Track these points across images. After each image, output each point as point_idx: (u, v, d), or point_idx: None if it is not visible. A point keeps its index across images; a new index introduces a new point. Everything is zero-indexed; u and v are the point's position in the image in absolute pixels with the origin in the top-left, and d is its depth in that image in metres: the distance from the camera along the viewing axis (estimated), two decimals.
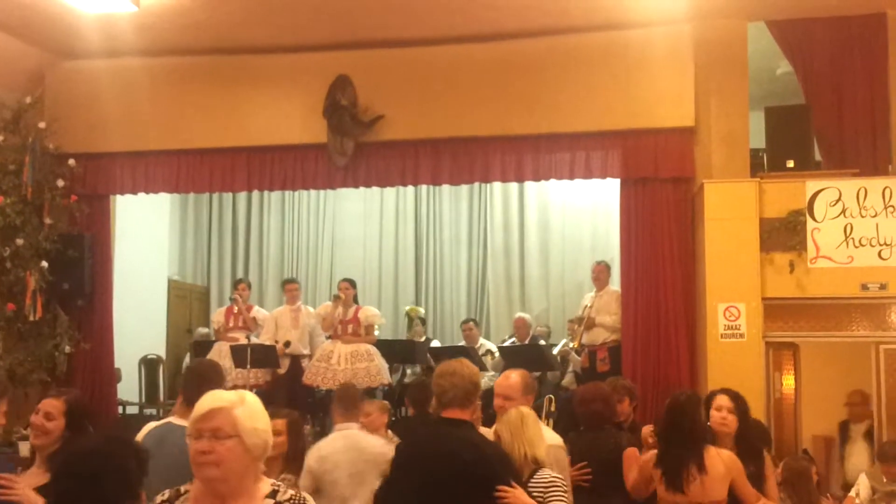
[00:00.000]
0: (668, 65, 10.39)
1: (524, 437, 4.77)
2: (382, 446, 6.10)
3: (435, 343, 12.81)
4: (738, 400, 5.91)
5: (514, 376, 5.44)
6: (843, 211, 9.34)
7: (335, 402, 6.62)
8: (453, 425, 4.20)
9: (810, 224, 9.37)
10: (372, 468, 5.72)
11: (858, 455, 9.33)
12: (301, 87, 11.26)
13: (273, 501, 3.08)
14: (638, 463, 5.95)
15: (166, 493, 3.17)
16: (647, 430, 6.61)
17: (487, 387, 7.86)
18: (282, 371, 11.57)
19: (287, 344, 11.48)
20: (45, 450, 4.57)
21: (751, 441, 5.87)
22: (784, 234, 9.41)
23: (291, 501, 3.11)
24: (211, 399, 3.10)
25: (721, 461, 5.33)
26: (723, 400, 5.90)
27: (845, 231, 9.32)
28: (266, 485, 3.12)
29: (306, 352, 11.83)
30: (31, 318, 11.05)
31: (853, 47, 10.36)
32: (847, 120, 10.30)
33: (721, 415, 5.84)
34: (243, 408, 3.07)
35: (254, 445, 3.05)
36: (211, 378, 4.79)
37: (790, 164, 9.83)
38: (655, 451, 5.61)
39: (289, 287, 12.31)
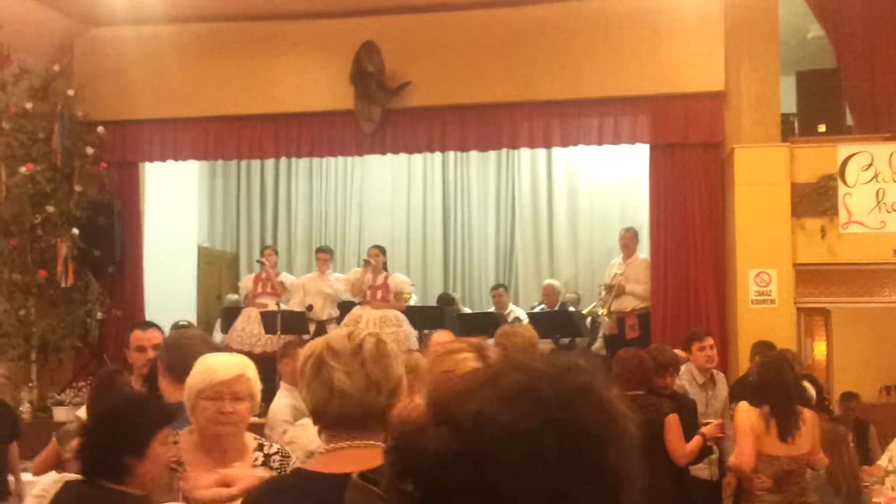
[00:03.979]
0: (698, 28, 10.29)
1: None
2: None
3: (465, 310, 12.82)
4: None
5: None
6: (875, 175, 9.25)
7: None
8: None
9: (842, 189, 9.29)
10: None
11: None
12: (328, 53, 11.23)
13: (261, 454, 3.45)
14: (678, 429, 6.02)
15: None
16: None
17: None
18: (307, 337, 11.62)
19: (309, 308, 11.51)
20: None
21: None
22: (815, 199, 9.33)
23: (279, 454, 3.50)
24: (233, 365, 3.42)
25: (808, 415, 5.90)
26: None
27: (877, 196, 9.23)
28: (250, 438, 3.51)
29: (335, 314, 11.91)
30: (63, 285, 11.14)
31: (885, 9, 10.20)
32: (879, 83, 10.17)
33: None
34: (253, 372, 3.45)
35: (255, 406, 3.49)
36: (198, 350, 4.71)
37: (821, 128, 9.75)
38: (750, 408, 5.90)
39: (320, 256, 12.34)
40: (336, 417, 2.51)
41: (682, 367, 7.85)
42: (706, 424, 6.61)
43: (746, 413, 5.93)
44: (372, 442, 2.48)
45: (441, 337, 5.41)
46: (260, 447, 3.49)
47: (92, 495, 3.26)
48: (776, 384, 5.95)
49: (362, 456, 2.37)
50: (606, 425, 1.30)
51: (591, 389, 1.32)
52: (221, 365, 3.43)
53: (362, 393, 2.49)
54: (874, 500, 6.54)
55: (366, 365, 2.52)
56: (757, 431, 5.84)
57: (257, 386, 3.46)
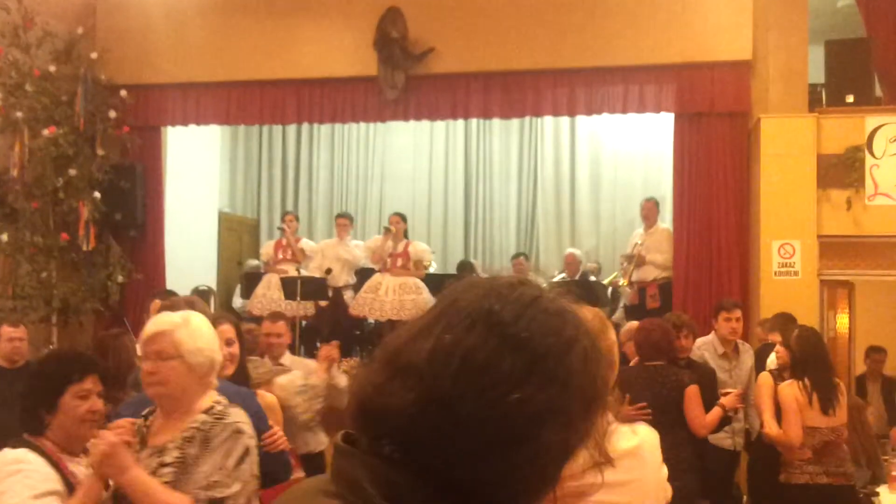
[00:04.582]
0: None
1: None
2: None
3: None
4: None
5: None
6: None
7: None
8: None
9: (869, 160, 9.17)
10: None
11: None
12: (352, 18, 11.16)
13: (205, 416, 3.28)
14: (698, 400, 6.04)
15: (148, 409, 3.45)
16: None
17: None
18: (325, 303, 11.63)
19: (328, 271, 11.51)
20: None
21: None
22: (842, 170, 9.22)
23: (220, 415, 3.30)
24: (154, 323, 3.36)
25: (842, 387, 6.22)
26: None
27: None
28: (208, 400, 3.34)
29: (351, 281, 11.91)
30: (85, 248, 11.19)
31: None
32: None
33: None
34: (186, 329, 3.30)
35: (198, 364, 3.29)
36: None
37: (850, 98, 9.60)
38: (793, 382, 6.09)
39: (340, 221, 12.35)
40: None
41: (703, 339, 7.83)
42: (726, 395, 6.59)
43: (790, 387, 6.04)
44: None
45: None
46: (210, 409, 3.31)
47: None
48: (815, 357, 6.10)
49: None
50: (562, 332, 1.27)
51: (540, 300, 1.29)
52: (148, 323, 3.41)
53: None
54: (893, 472, 6.50)
55: None
56: (801, 404, 5.96)
57: (195, 343, 3.29)
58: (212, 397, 3.36)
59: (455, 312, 1.27)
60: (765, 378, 6.58)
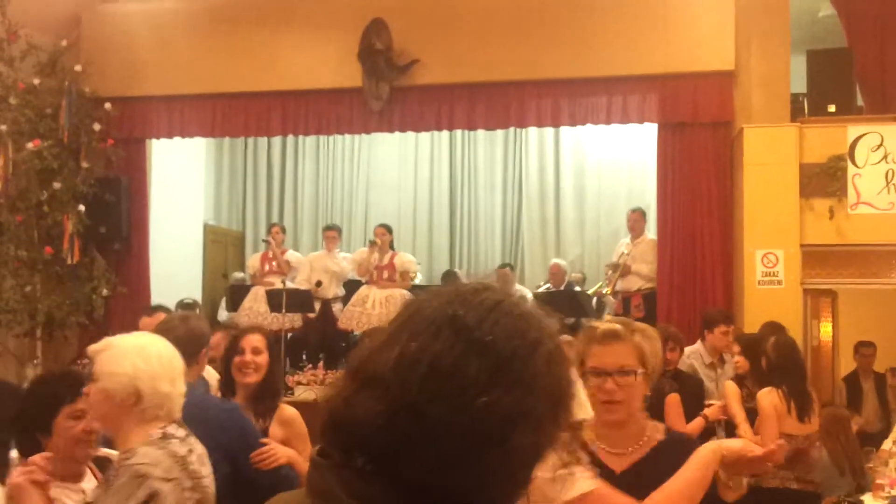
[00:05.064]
0: (708, 6, 10.22)
1: None
2: None
3: None
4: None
5: None
6: (885, 156, 9.18)
7: None
8: None
9: (851, 170, 9.23)
10: None
11: None
12: (336, 30, 11.18)
13: (121, 455, 3.03)
14: (678, 409, 6.09)
15: None
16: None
17: None
18: (313, 315, 11.63)
19: (318, 284, 11.51)
20: (252, 387, 4.55)
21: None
22: (824, 179, 9.27)
23: (128, 454, 2.97)
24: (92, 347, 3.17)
25: (815, 394, 6.29)
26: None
27: (886, 177, 9.17)
28: (153, 434, 3.02)
29: (340, 293, 11.91)
30: (69, 262, 11.16)
31: None
32: (890, 63, 10.11)
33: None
34: (107, 353, 3.08)
35: (114, 391, 3.02)
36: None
37: (831, 108, 9.67)
38: (772, 390, 6.10)
39: (328, 234, 12.35)
40: None
41: (691, 348, 7.86)
42: (710, 405, 6.62)
43: (769, 395, 6.08)
44: None
45: None
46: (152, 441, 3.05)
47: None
48: (792, 366, 6.17)
49: None
50: (526, 335, 1.28)
51: (504, 304, 1.31)
52: None
53: None
54: (878, 481, 6.54)
55: None
56: (780, 412, 6.01)
57: (111, 367, 3.04)
58: (156, 431, 3.05)
59: (420, 320, 1.28)
60: (731, 387, 6.68)
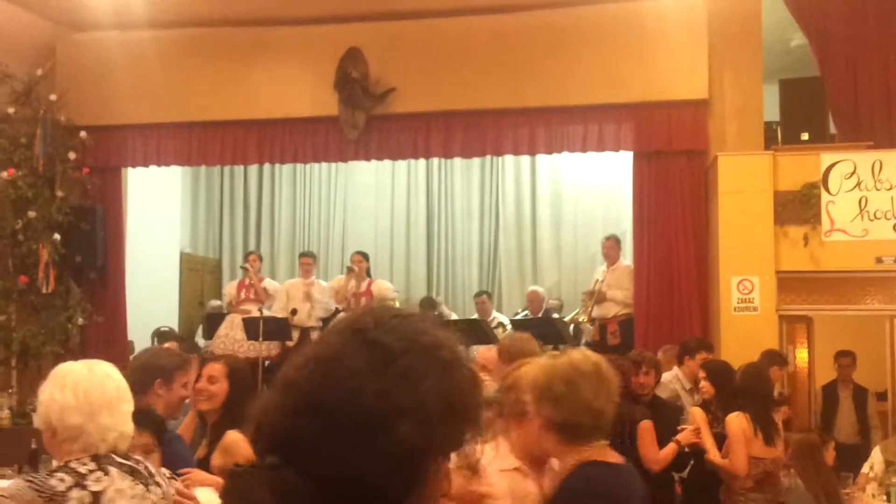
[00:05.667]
0: (682, 36, 10.31)
1: None
2: None
3: (451, 314, 12.82)
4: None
5: (493, 349, 6.05)
6: (858, 184, 9.26)
7: None
8: None
9: (825, 197, 9.30)
10: None
11: None
12: (312, 59, 11.20)
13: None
14: (651, 436, 6.16)
15: None
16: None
17: None
18: (291, 343, 11.59)
19: (294, 312, 11.47)
20: (212, 416, 4.48)
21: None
22: (798, 207, 9.34)
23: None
24: None
25: (779, 420, 6.54)
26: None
27: (860, 204, 9.25)
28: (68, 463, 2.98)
29: (316, 324, 11.86)
30: (44, 291, 11.09)
31: (868, 19, 10.25)
32: (862, 92, 10.20)
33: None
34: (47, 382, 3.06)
35: (40, 422, 3.03)
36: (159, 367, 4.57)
37: (804, 136, 9.75)
38: (740, 414, 6.19)
39: (304, 261, 12.32)
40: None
41: (670, 374, 7.88)
42: (683, 430, 6.64)
43: (738, 419, 6.18)
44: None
45: (486, 353, 5.74)
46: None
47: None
48: (759, 392, 6.31)
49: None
50: (420, 338, 1.38)
51: (409, 317, 1.43)
52: None
53: None
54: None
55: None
56: (748, 436, 6.12)
57: (42, 396, 3.05)
58: (56, 464, 3.00)
59: (329, 330, 1.44)
60: (698, 412, 6.74)
